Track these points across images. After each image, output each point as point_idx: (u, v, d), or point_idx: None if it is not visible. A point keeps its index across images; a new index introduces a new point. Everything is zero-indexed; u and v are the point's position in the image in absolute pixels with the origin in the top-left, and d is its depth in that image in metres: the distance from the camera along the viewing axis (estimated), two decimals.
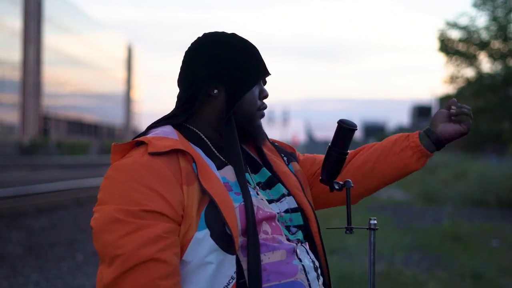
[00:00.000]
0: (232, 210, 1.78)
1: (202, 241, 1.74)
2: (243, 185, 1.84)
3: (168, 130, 1.89)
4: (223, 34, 1.95)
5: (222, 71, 1.89)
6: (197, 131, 1.92)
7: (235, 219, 1.77)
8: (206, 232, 1.75)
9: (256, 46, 1.98)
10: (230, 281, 1.75)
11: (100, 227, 1.72)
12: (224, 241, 1.75)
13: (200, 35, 1.98)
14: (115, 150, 1.86)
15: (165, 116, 1.97)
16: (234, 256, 1.75)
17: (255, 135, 1.96)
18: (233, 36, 1.95)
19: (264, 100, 1.99)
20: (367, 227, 2.02)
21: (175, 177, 1.76)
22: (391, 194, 17.54)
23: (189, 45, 1.97)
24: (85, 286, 6.64)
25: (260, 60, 1.95)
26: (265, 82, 2.01)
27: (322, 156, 2.21)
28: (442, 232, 9.83)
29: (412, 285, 6.33)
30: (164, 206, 1.72)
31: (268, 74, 1.97)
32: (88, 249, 8.55)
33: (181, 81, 1.94)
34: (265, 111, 1.99)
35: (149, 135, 1.87)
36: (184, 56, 1.95)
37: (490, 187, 14.88)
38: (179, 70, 1.97)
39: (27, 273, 7.13)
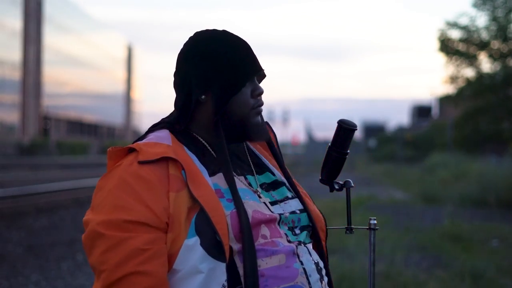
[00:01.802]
0: (223, 217, 1.76)
1: (192, 248, 1.73)
2: (233, 191, 1.81)
3: (162, 135, 1.88)
4: (211, 33, 1.92)
5: (208, 77, 1.87)
6: (196, 136, 1.92)
7: (225, 227, 1.75)
8: (196, 240, 1.73)
9: (248, 42, 1.93)
10: None
11: (87, 242, 1.75)
12: (215, 248, 1.73)
13: (192, 34, 1.96)
14: (110, 156, 1.86)
15: (166, 119, 1.96)
16: (225, 264, 1.74)
17: (252, 135, 1.93)
18: (222, 34, 1.91)
19: (265, 99, 1.96)
20: (367, 227, 2.02)
21: (161, 184, 1.76)
22: (391, 194, 17.54)
23: (182, 45, 1.95)
24: (85, 286, 6.64)
25: (249, 58, 1.90)
26: (263, 77, 1.97)
27: None
28: (442, 232, 9.83)
29: (412, 285, 6.33)
30: (147, 215, 1.72)
31: (258, 71, 1.92)
32: None
33: (175, 87, 1.94)
34: (265, 110, 1.96)
35: (143, 141, 1.86)
36: (177, 59, 1.94)
37: (490, 187, 14.87)
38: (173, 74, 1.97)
39: (27, 273, 7.13)
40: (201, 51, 1.89)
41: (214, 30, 1.93)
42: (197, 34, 1.93)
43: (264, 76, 1.97)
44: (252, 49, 1.94)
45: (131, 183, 1.75)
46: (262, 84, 1.97)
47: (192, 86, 1.88)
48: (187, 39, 1.94)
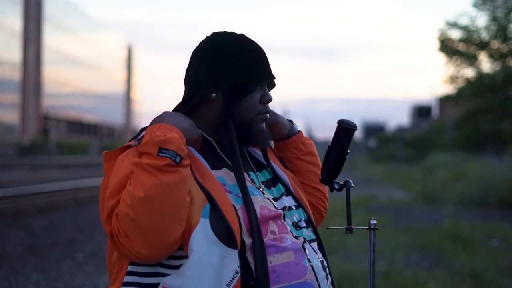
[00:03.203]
0: (230, 207, 1.80)
1: (207, 230, 1.77)
2: (243, 188, 1.85)
3: None
4: (229, 36, 1.95)
5: (221, 76, 1.89)
6: (203, 133, 1.93)
7: (234, 215, 1.80)
8: (208, 222, 1.78)
9: (263, 49, 1.96)
10: (235, 275, 1.76)
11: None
12: (226, 236, 1.77)
13: (209, 34, 1.98)
14: (106, 158, 1.87)
15: None
16: (237, 251, 1.77)
17: (255, 140, 1.96)
18: (239, 38, 1.95)
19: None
20: (367, 227, 2.02)
21: None
22: (391, 194, 17.54)
23: (198, 43, 1.98)
24: (85, 286, 6.64)
25: (263, 64, 1.94)
26: (273, 86, 2.01)
27: None
28: (442, 232, 9.83)
29: (412, 285, 6.33)
30: None
31: (270, 78, 1.95)
32: (88, 249, 8.55)
33: (185, 81, 1.96)
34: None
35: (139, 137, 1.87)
36: (191, 56, 1.97)
37: (490, 187, 14.87)
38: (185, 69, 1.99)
39: (27, 273, 7.12)
40: (217, 51, 1.91)
41: (232, 33, 1.96)
42: (214, 35, 1.96)
43: (273, 85, 2.01)
44: (267, 56, 1.96)
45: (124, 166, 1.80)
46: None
47: (203, 83, 1.90)
48: (204, 38, 1.97)
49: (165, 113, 1.84)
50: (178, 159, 1.71)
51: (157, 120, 1.80)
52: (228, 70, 1.89)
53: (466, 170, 18.40)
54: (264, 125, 1.96)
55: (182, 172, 1.73)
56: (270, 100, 1.96)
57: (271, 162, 2.07)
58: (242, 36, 1.95)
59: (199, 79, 1.91)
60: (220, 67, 1.89)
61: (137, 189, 1.70)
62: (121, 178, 1.77)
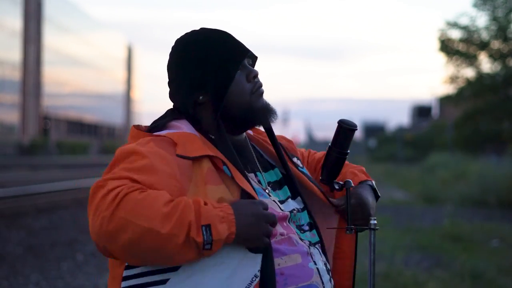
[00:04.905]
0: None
1: None
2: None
3: (189, 129, 1.88)
4: (190, 36, 1.93)
5: (200, 77, 1.88)
6: (210, 136, 1.92)
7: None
8: None
9: (227, 31, 1.93)
10: (254, 279, 1.74)
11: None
12: None
13: (173, 43, 1.97)
14: (134, 135, 1.87)
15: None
16: (260, 255, 1.75)
17: (261, 119, 1.93)
18: (200, 33, 1.92)
19: (265, 99, 1.97)
20: (367, 227, 2.02)
21: (181, 172, 1.76)
22: (391, 194, 17.54)
23: (168, 57, 1.96)
24: (85, 286, 6.64)
25: (233, 45, 1.91)
26: (255, 58, 1.96)
27: (320, 155, 2.20)
28: (442, 232, 9.83)
29: (412, 285, 6.34)
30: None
31: (246, 53, 1.91)
32: (88, 249, 8.55)
33: (171, 97, 1.96)
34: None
35: (173, 131, 1.86)
36: (167, 70, 1.96)
37: (490, 187, 14.87)
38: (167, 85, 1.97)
39: (27, 273, 7.12)
40: (185, 56, 1.90)
41: (192, 32, 1.94)
42: (177, 41, 1.95)
43: (255, 57, 1.97)
44: (234, 35, 1.93)
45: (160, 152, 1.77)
46: (261, 80, 1.97)
47: (187, 92, 1.89)
48: (171, 49, 1.95)
49: (249, 205, 1.74)
50: (207, 247, 1.66)
51: (236, 206, 1.72)
52: (204, 67, 1.87)
53: (466, 170, 18.40)
54: (264, 100, 1.93)
55: (195, 258, 1.68)
56: (256, 74, 1.92)
57: (291, 158, 2.03)
58: (202, 30, 1.94)
59: (184, 91, 1.90)
60: (196, 69, 1.88)
61: (164, 220, 1.62)
62: (156, 180, 1.70)
